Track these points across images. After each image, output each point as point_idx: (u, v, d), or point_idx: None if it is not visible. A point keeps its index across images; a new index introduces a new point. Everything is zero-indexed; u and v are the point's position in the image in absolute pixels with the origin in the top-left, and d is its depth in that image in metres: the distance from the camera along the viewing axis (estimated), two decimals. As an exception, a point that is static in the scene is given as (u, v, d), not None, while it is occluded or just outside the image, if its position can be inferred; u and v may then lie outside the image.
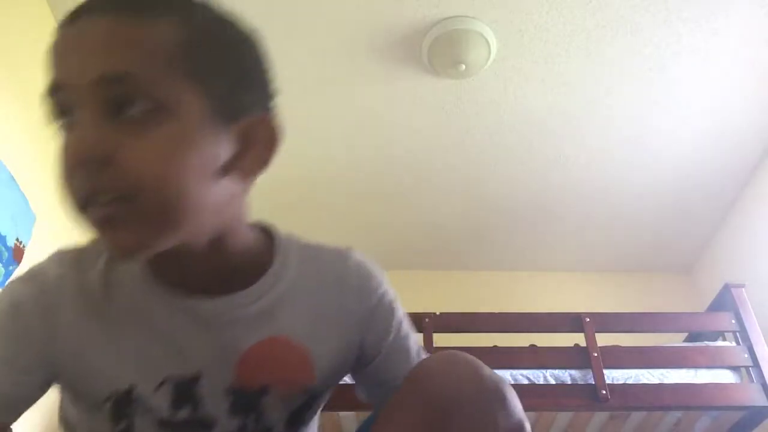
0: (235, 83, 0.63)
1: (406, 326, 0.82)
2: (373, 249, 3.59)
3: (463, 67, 2.32)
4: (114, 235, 0.59)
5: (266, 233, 0.76)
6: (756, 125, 2.68)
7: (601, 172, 2.89)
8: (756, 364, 2.24)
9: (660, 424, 2.33)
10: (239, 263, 0.70)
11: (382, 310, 0.78)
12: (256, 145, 0.65)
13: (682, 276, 3.42)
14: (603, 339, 2.34)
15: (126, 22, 0.58)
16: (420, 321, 2.35)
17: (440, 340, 2.32)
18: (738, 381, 2.29)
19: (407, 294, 3.62)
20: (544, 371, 2.27)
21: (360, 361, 0.79)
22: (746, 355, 2.28)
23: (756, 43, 2.35)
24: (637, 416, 2.29)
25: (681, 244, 3.29)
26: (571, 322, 2.39)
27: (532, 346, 2.44)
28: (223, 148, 0.62)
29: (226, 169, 0.62)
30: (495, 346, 2.36)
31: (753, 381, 2.24)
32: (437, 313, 2.39)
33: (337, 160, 2.82)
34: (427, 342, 2.29)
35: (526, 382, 2.24)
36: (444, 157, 2.82)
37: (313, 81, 2.46)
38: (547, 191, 2.99)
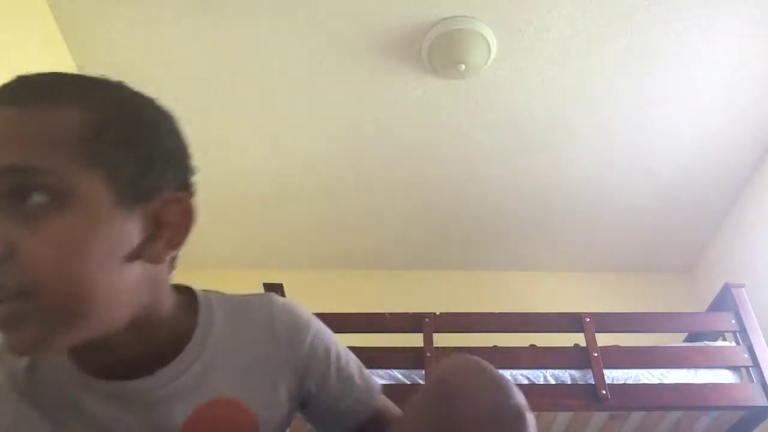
0: (143, 166, 0.61)
1: (344, 355, 0.82)
2: (372, 248, 3.60)
3: (463, 67, 2.32)
4: (15, 334, 0.57)
5: (186, 296, 0.74)
6: (756, 125, 2.68)
7: (601, 172, 2.89)
8: (756, 364, 2.24)
9: (660, 424, 2.33)
10: (163, 337, 0.69)
11: (317, 352, 0.78)
12: (169, 226, 0.63)
13: (683, 276, 3.42)
14: (603, 339, 2.34)
15: (27, 112, 0.58)
16: (420, 321, 2.35)
17: (440, 340, 2.32)
18: (738, 381, 2.29)
19: (407, 294, 3.62)
20: (544, 371, 2.27)
21: (305, 402, 0.80)
22: (746, 355, 2.28)
23: (755, 43, 2.35)
24: (637, 416, 2.29)
25: (681, 244, 3.29)
26: (571, 322, 2.39)
27: (532, 346, 2.44)
28: (132, 233, 0.61)
29: (137, 254, 0.61)
30: (495, 346, 2.36)
31: (753, 381, 2.24)
32: (437, 313, 2.39)
33: (337, 160, 2.82)
34: (427, 342, 2.29)
35: (526, 382, 2.24)
36: (444, 156, 2.82)
37: (313, 81, 2.46)
38: (547, 191, 2.99)
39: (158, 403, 0.68)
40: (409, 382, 2.23)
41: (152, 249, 0.62)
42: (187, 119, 2.36)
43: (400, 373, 2.25)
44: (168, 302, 0.69)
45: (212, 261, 3.31)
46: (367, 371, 0.85)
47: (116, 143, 0.60)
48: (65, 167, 0.57)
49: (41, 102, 0.59)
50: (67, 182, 0.57)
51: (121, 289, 0.60)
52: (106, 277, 0.58)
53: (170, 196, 0.63)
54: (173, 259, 0.69)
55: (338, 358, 0.80)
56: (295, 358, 0.76)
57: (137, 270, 0.62)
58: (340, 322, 2.30)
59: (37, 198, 0.56)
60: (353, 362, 0.83)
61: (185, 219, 0.65)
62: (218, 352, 0.71)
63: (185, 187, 0.66)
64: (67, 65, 2.25)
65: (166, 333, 0.69)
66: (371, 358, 2.26)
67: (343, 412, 0.81)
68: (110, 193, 0.59)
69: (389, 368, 2.25)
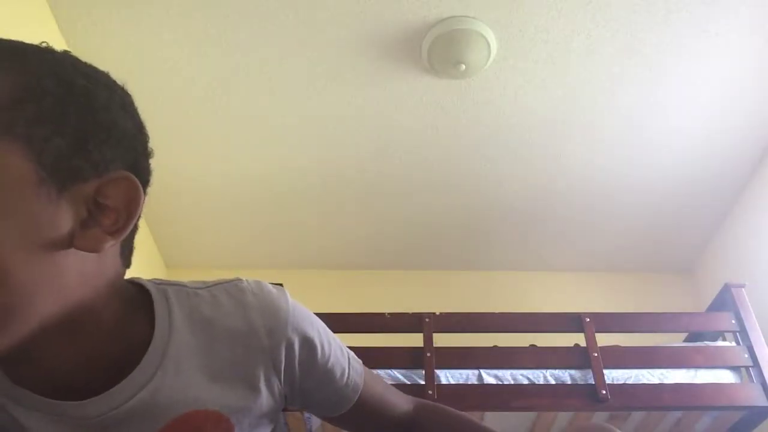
0: (75, 142, 0.53)
1: (325, 336, 0.75)
2: (373, 249, 3.59)
3: (463, 67, 2.32)
4: None
5: (137, 293, 0.65)
6: (756, 125, 2.68)
7: (602, 172, 2.89)
8: (756, 364, 2.24)
9: (660, 424, 2.33)
10: (112, 346, 0.60)
11: (299, 339, 0.71)
12: (110, 210, 0.55)
13: (682, 276, 3.42)
14: (603, 339, 2.34)
15: None
16: (420, 321, 2.35)
17: (440, 340, 2.32)
18: (738, 381, 2.29)
19: (407, 294, 3.62)
20: (544, 371, 2.27)
21: (290, 391, 0.74)
22: (746, 355, 2.28)
23: (756, 43, 2.35)
24: (637, 416, 2.29)
25: (681, 244, 3.29)
26: (571, 322, 2.39)
27: (532, 346, 2.44)
28: (60, 216, 0.52)
29: (68, 241, 0.53)
30: (495, 346, 2.36)
31: (753, 381, 2.24)
32: (437, 313, 2.39)
33: (337, 160, 2.82)
34: (427, 342, 2.29)
35: (526, 382, 2.24)
36: (444, 157, 2.82)
37: (313, 81, 2.46)
38: (547, 191, 2.99)
39: (119, 425, 0.60)
40: (409, 382, 2.23)
41: (87, 236, 0.54)
42: (186, 120, 2.39)
43: (400, 373, 2.25)
44: (114, 303, 0.60)
45: (212, 262, 3.31)
46: (347, 349, 0.80)
47: (40, 114, 0.52)
48: None
49: None
50: None
51: (44, 281, 0.52)
52: (23, 265, 0.50)
53: (110, 177, 0.55)
54: (128, 253, 0.62)
55: (321, 340, 0.74)
56: (275, 347, 0.69)
57: (69, 261, 0.54)
58: (340, 322, 2.31)
59: None
60: (335, 343, 0.77)
61: (128, 203, 0.56)
62: (183, 358, 0.64)
63: (134, 170, 0.58)
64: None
65: (116, 340, 0.60)
66: (371, 358, 2.26)
67: (329, 398, 0.77)
68: (32, 170, 0.51)
69: (389, 368, 2.25)
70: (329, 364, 0.75)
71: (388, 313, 2.40)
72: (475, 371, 2.27)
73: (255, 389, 0.68)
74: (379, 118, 2.63)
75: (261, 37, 2.29)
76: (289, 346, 0.70)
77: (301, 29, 2.27)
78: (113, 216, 0.55)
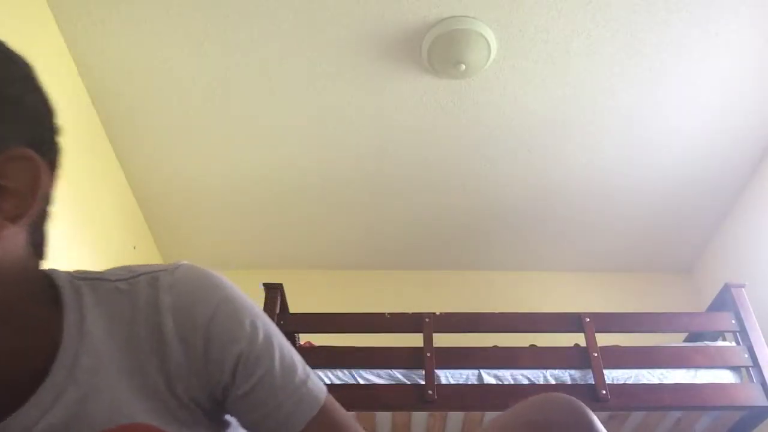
0: None
1: (274, 340, 0.63)
2: (372, 249, 3.59)
3: (463, 67, 2.32)
4: None
5: (48, 287, 0.57)
6: (756, 125, 2.68)
7: (601, 172, 2.89)
8: (756, 364, 2.24)
9: (660, 424, 2.33)
10: (23, 353, 0.53)
11: (219, 348, 0.59)
12: (10, 191, 0.49)
13: (682, 276, 3.42)
14: (603, 339, 2.34)
15: None
16: (420, 321, 2.35)
17: (440, 340, 2.32)
18: (738, 381, 2.30)
19: (407, 294, 3.62)
20: (544, 371, 2.27)
21: (231, 409, 0.63)
22: (746, 355, 2.28)
23: (755, 43, 2.35)
24: (637, 416, 2.29)
25: (681, 244, 3.29)
26: (571, 322, 2.39)
27: (532, 346, 2.44)
28: None
29: None
30: (495, 346, 2.36)
31: (753, 381, 2.24)
32: (437, 313, 2.40)
33: (337, 160, 2.82)
34: (427, 342, 2.29)
35: (526, 382, 2.24)
36: (444, 157, 2.82)
37: (313, 81, 2.46)
38: (547, 191, 2.99)
39: None
40: (409, 382, 2.23)
41: None
42: (186, 120, 2.40)
43: (400, 373, 2.25)
44: (21, 301, 0.53)
45: (212, 261, 3.31)
46: (308, 368, 0.66)
47: None
48: None
49: None
50: None
51: None
52: None
53: (8, 155, 0.49)
54: (39, 242, 0.55)
55: (255, 341, 0.61)
56: (193, 357, 0.58)
57: None
58: (340, 322, 2.32)
59: None
60: (287, 351, 0.64)
61: (30, 184, 0.50)
62: (101, 366, 0.55)
63: (38, 148, 0.52)
64: (66, 64, 2.25)
65: (25, 348, 0.53)
66: (371, 358, 2.27)
67: (280, 405, 0.62)
68: None
69: (389, 368, 2.25)
70: (271, 366, 0.62)
71: (388, 313, 2.40)
72: (475, 371, 2.27)
73: (180, 402, 0.59)
74: (379, 118, 2.63)
75: (261, 37, 2.29)
76: (212, 353, 0.59)
77: (301, 29, 2.27)
78: (14, 200, 0.49)
